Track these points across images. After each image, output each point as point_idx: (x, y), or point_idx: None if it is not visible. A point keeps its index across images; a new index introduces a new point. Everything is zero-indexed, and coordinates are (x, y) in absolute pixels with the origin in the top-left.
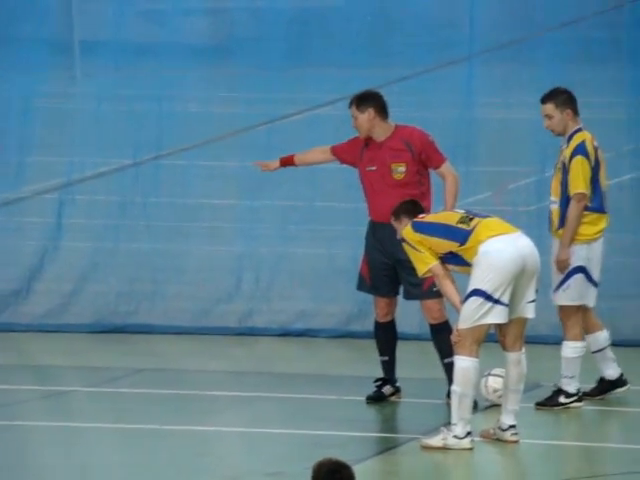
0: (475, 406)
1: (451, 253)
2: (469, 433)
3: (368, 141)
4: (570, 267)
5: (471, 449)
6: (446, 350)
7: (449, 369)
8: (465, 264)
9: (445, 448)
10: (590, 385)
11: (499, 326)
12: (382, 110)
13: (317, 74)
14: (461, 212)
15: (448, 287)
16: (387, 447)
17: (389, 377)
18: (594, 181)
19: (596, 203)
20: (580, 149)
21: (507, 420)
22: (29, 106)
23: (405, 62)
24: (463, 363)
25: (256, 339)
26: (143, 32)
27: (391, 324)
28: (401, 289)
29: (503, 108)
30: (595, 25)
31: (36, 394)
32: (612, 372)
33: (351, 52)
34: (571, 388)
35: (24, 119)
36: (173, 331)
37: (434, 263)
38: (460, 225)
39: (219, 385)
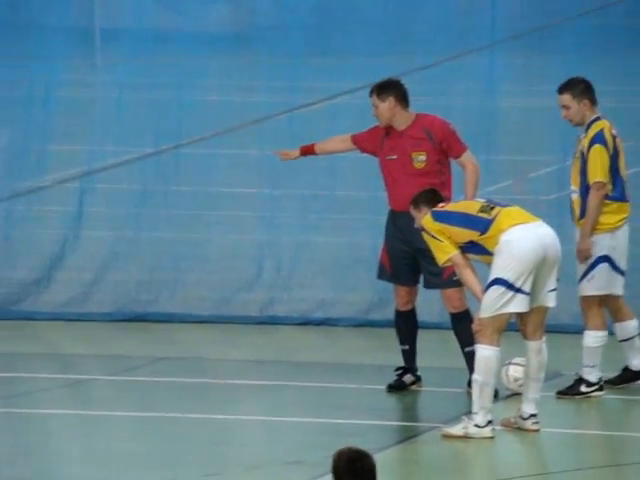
0: (496, 395)
1: (472, 242)
2: (490, 422)
3: (389, 130)
4: (594, 257)
5: (492, 438)
6: (467, 339)
7: (470, 358)
8: (486, 253)
9: (466, 437)
10: (612, 374)
11: (520, 315)
12: (403, 99)
13: (338, 63)
14: (482, 201)
15: (469, 276)
16: (408, 436)
17: (410, 366)
18: (614, 169)
19: (617, 192)
20: (598, 138)
21: (528, 409)
22: (50, 95)
23: (426, 50)
24: (484, 352)
25: (276, 328)
26: (164, 20)
27: (412, 313)
28: (421, 278)
29: (524, 96)
30: (616, 13)
31: (57, 382)
32: (637, 362)
33: (372, 40)
34: (592, 377)
35: (45, 108)
36: (193, 320)
37: (454, 252)
38: (481, 214)
39: (239, 374)
